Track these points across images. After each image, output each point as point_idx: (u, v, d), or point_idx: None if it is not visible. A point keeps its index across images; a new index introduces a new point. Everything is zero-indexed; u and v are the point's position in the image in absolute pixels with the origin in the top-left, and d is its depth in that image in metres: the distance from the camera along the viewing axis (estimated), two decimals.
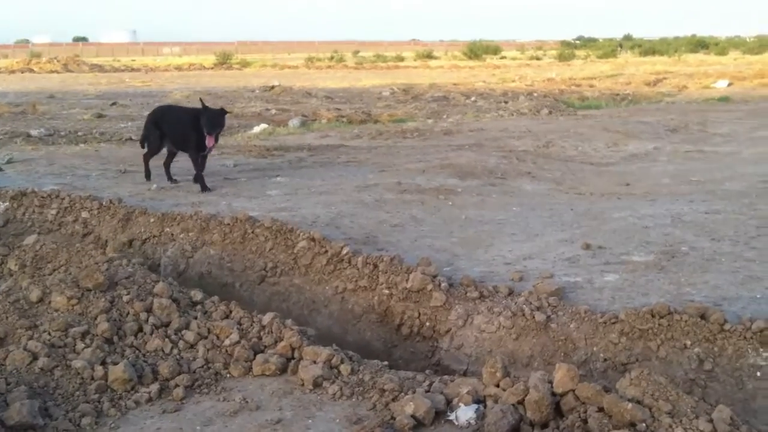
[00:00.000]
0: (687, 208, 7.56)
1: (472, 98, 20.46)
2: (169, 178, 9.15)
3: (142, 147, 9.43)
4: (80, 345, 4.78)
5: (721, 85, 22.34)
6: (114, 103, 19.83)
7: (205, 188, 8.57)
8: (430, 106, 18.63)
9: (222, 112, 8.55)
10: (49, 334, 4.84)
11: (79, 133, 14.50)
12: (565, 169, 9.70)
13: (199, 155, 8.69)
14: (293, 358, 4.77)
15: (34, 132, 14.32)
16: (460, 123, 14.79)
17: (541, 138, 12.03)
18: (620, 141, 11.76)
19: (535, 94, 21.23)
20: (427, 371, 4.81)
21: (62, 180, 9.33)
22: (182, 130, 8.72)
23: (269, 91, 22.91)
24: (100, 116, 17.09)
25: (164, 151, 9.34)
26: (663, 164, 10.08)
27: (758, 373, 4.35)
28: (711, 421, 3.35)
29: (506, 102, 19.21)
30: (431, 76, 30.94)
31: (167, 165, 9.23)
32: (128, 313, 5.13)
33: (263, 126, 14.59)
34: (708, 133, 12.54)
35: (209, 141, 8.36)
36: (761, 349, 4.41)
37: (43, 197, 8.07)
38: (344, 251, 6.02)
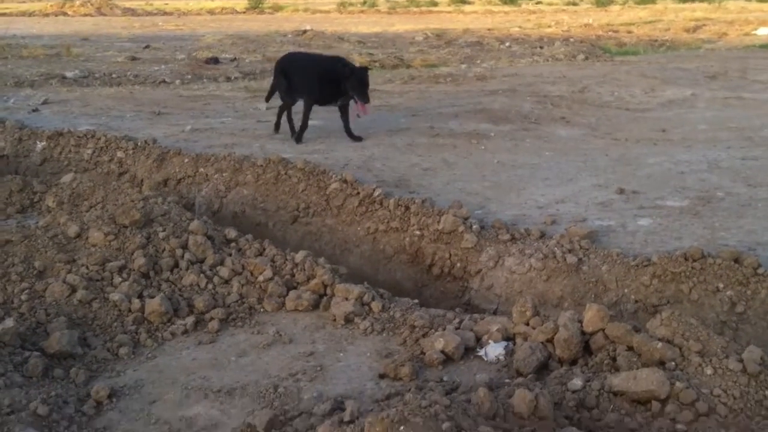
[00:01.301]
0: (724, 155, 7.44)
1: (507, 43, 20.13)
2: (278, 126, 8.57)
3: (267, 101, 9.04)
4: (117, 279, 4.90)
5: (763, 32, 21.69)
6: (147, 46, 19.84)
7: (300, 140, 8.05)
8: (464, 52, 18.38)
9: (367, 71, 7.91)
10: (87, 268, 4.96)
11: (113, 76, 14.57)
12: (601, 115, 9.56)
13: (311, 108, 8.14)
14: (325, 295, 4.85)
15: (68, 74, 14.41)
16: (494, 68, 14.59)
17: (577, 83, 11.84)
18: (657, 87, 11.53)
19: (571, 40, 20.81)
20: (458, 309, 4.86)
21: (97, 121, 9.41)
22: (309, 80, 8.06)
23: (301, 35, 22.72)
24: (133, 59, 17.13)
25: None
26: (700, 111, 9.89)
27: None
28: (741, 360, 3.35)
29: (541, 47, 18.88)
30: (465, 22, 30.46)
31: (282, 111, 8.53)
32: (164, 250, 5.23)
33: None
34: (748, 80, 12.25)
35: (363, 109, 7.74)
36: None
37: (79, 137, 8.17)
38: (376, 193, 6.05)
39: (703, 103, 10.40)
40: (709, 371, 3.34)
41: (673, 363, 3.44)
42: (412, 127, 8.75)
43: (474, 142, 8.12)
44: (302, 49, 16.25)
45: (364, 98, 7.62)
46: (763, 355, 3.39)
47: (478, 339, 4.18)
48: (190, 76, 14.58)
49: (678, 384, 3.22)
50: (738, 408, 3.14)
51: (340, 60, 8.17)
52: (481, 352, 4.06)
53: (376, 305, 4.63)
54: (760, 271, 4.51)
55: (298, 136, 8.08)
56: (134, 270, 5.00)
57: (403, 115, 9.64)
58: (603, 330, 3.84)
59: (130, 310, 4.63)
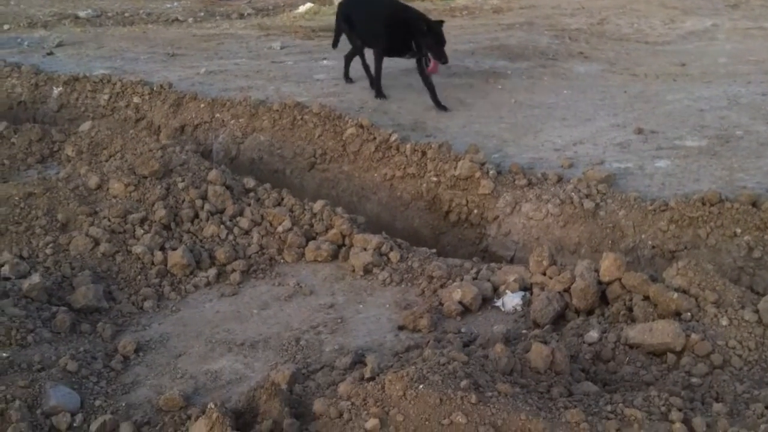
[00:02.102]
0: (744, 90, 7.31)
1: None
2: (346, 74, 7.97)
3: (334, 47, 8.21)
4: (139, 231, 4.98)
5: None
6: None
7: (380, 94, 7.34)
8: None
9: (441, 24, 7.00)
10: (109, 220, 5.04)
11: (126, 14, 14.42)
12: (619, 49, 9.38)
13: (382, 59, 7.36)
14: (344, 245, 4.91)
15: (81, 13, 14.27)
16: (511, 0, 14.28)
17: (595, 15, 11.57)
18: (677, 17, 11.25)
19: None
20: (474, 258, 4.91)
21: (112, 63, 9.36)
22: (375, 27, 7.35)
23: None
24: None
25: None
26: (721, 43, 9.66)
27: None
28: (756, 311, 3.39)
29: None
30: None
31: (349, 58, 7.92)
32: (184, 200, 5.28)
33: (309, 5, 14.29)
34: None
35: (434, 66, 6.97)
36: None
37: (95, 82, 8.15)
38: (392, 138, 6.03)
39: (723, 34, 10.15)
40: (724, 322, 3.39)
41: (689, 314, 3.49)
42: None
43: (491, 81, 8.02)
44: None
45: (443, 58, 6.81)
46: None
47: (496, 289, 4.25)
48: (202, 14, 14.39)
49: (693, 336, 3.27)
50: (753, 360, 3.20)
51: (410, 9, 7.40)
52: (499, 303, 4.13)
53: (394, 255, 4.69)
54: None
55: (377, 91, 7.37)
56: (155, 221, 5.07)
57: None
58: (619, 279, 3.89)
59: (153, 263, 4.72)
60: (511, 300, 4.11)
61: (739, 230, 4.53)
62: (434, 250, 4.94)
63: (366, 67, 7.65)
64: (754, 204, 4.61)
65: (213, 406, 2.89)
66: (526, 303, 4.06)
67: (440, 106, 7.07)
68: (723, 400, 2.88)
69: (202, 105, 7.25)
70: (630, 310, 3.71)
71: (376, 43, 7.35)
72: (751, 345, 3.25)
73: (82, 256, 4.73)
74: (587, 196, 5.11)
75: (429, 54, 6.86)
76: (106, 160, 5.87)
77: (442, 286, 4.31)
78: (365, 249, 4.73)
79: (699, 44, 9.64)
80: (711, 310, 3.45)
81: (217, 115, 7.07)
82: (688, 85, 7.65)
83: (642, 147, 5.94)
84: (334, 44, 8.19)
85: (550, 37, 9.88)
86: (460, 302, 4.10)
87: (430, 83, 7.12)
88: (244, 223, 5.11)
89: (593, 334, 3.46)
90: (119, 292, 4.47)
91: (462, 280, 4.32)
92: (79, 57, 9.79)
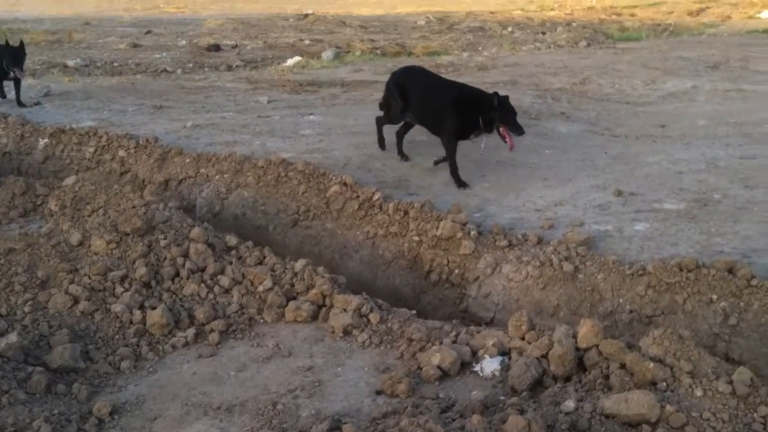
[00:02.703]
0: (722, 153, 7.45)
1: (509, 29, 20.02)
2: (401, 151, 7.39)
3: (381, 109, 7.52)
4: (119, 289, 4.97)
5: (767, 15, 21.52)
6: (149, 32, 19.80)
7: (461, 184, 6.70)
8: (466, 37, 18.30)
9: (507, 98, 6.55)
10: (90, 278, 5.04)
11: (115, 64, 14.57)
12: (601, 109, 9.56)
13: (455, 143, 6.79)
14: (324, 305, 4.92)
15: (70, 62, 14.41)
16: (496, 57, 14.55)
17: (578, 74, 11.81)
18: (658, 78, 11.50)
19: (574, 24, 20.71)
20: (454, 320, 4.93)
21: (99, 115, 9.44)
22: (436, 108, 6.86)
23: (303, 19, 22.65)
24: (135, 46, 17.11)
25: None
26: (701, 104, 9.87)
27: None
28: (731, 382, 3.42)
29: (544, 33, 18.79)
30: (468, 3, 30.26)
31: (401, 135, 7.40)
32: (165, 258, 5.29)
33: (297, 58, 14.52)
34: (749, 70, 12.19)
35: (511, 142, 6.52)
36: None
37: (81, 135, 8.21)
38: (375, 197, 6.09)
39: (703, 95, 10.38)
40: (699, 393, 3.41)
41: (665, 383, 3.51)
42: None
43: (473, 140, 8.12)
44: (316, 37, 15.93)
45: (520, 129, 6.50)
46: (752, 377, 3.46)
47: (475, 353, 4.25)
48: (191, 65, 14.57)
49: (668, 407, 3.28)
50: None
51: (469, 86, 7.08)
52: (477, 368, 4.12)
53: (374, 317, 4.70)
54: (754, 282, 4.55)
55: (458, 181, 6.72)
56: (136, 279, 5.07)
57: None
58: (597, 346, 3.91)
59: (131, 322, 4.71)
60: (490, 365, 4.11)
61: (715, 296, 4.58)
62: (414, 312, 4.95)
63: (400, 136, 7.35)
64: (730, 270, 4.67)
65: None
66: (505, 368, 4.06)
67: (460, 183, 6.72)
68: None
69: (188, 160, 7.31)
70: (607, 377, 3.72)
71: (444, 127, 6.79)
72: (724, 417, 3.26)
73: (60, 314, 4.72)
74: (567, 258, 5.16)
75: (502, 129, 6.48)
76: (89, 216, 5.88)
77: (421, 349, 4.31)
78: (345, 310, 4.74)
79: (679, 105, 9.85)
80: (686, 380, 3.47)
81: (202, 170, 7.12)
82: (668, 147, 7.80)
83: (621, 209, 6.03)
84: (393, 121, 7.38)
85: (533, 97, 10.05)
86: (438, 366, 4.10)
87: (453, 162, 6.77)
88: (224, 281, 5.12)
89: (570, 404, 3.46)
90: (96, 351, 4.44)
91: (441, 343, 4.32)
92: (67, 107, 9.89)
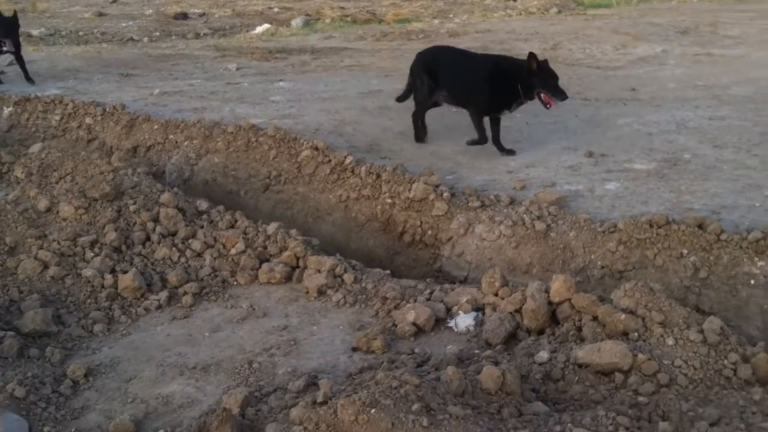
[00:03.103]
0: (692, 114, 7.51)
1: None
2: (422, 132, 7.01)
3: (400, 101, 7.11)
4: (89, 254, 4.91)
5: None
6: (114, 1, 19.43)
7: (505, 150, 6.56)
8: (437, 5, 18.19)
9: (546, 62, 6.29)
10: (59, 243, 4.96)
11: (81, 33, 14.31)
12: (572, 74, 9.56)
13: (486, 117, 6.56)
14: (298, 267, 4.90)
15: (35, 32, 14.11)
16: (467, 24, 14.49)
17: (549, 40, 11.81)
18: (629, 43, 11.53)
19: None
20: (428, 279, 4.94)
21: (65, 84, 9.27)
22: (471, 85, 6.52)
23: None
24: (100, 15, 16.80)
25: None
26: (670, 68, 9.93)
27: (752, 281, 4.46)
28: (701, 331, 3.47)
29: (515, 0, 18.74)
30: None
31: (421, 116, 7.02)
32: (135, 223, 5.23)
33: (266, 26, 14.34)
34: (718, 35, 12.26)
35: (553, 105, 6.31)
36: (756, 258, 4.50)
37: (46, 102, 8.06)
38: (347, 160, 6.05)
39: (673, 60, 10.43)
40: (670, 342, 3.46)
41: (636, 334, 3.56)
42: (384, 89, 8.69)
43: (445, 104, 8.10)
44: (285, 5, 15.72)
45: (562, 94, 6.28)
46: (722, 325, 3.51)
47: (449, 310, 4.28)
48: (158, 33, 14.36)
49: (640, 356, 3.33)
50: (698, 378, 3.26)
51: (506, 56, 6.79)
52: (452, 323, 4.15)
53: (348, 277, 4.70)
54: (723, 236, 4.60)
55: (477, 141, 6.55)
56: (106, 244, 5.01)
57: (375, 75, 9.58)
58: (569, 300, 3.95)
59: (103, 286, 4.66)
60: (464, 320, 4.14)
61: (685, 251, 4.63)
62: (388, 271, 4.96)
63: (424, 124, 6.98)
64: (700, 226, 4.72)
65: None
66: (479, 323, 4.10)
67: (504, 150, 6.55)
68: (669, 419, 2.93)
69: (156, 126, 7.21)
70: (579, 330, 3.76)
71: (475, 101, 6.53)
72: (696, 364, 3.32)
73: (30, 280, 4.65)
74: (539, 217, 5.18)
75: (543, 94, 6.22)
76: (57, 183, 5.78)
77: (395, 307, 4.33)
78: (319, 271, 4.73)
79: (649, 69, 9.89)
80: (657, 330, 3.52)
81: (171, 136, 7.02)
82: (638, 110, 7.84)
83: (592, 170, 6.06)
84: (402, 98, 7.11)
85: None
86: (413, 323, 4.12)
87: (498, 138, 6.57)
88: (196, 245, 5.08)
89: (543, 355, 3.50)
90: (68, 315, 4.39)
91: (415, 301, 4.34)
92: (32, 76, 9.66)
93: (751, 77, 8.99)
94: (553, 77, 6.26)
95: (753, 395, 3.08)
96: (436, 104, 6.99)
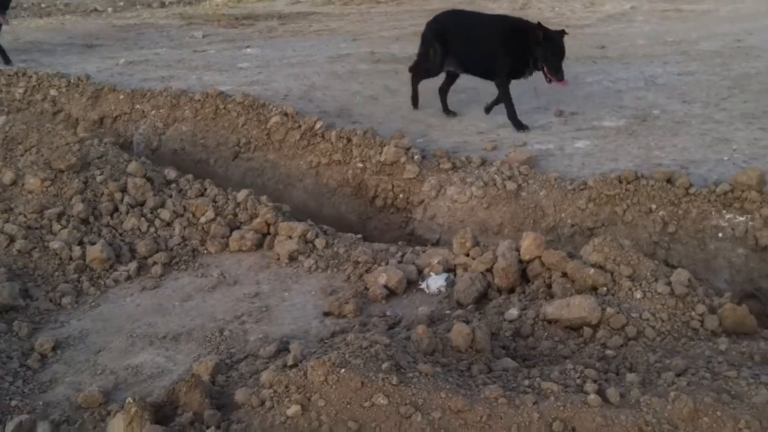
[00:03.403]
0: (660, 70, 7.52)
1: None
2: (446, 107, 6.68)
3: (412, 71, 6.77)
4: (56, 226, 4.85)
5: None
6: None
7: (520, 126, 6.10)
8: None
9: (562, 34, 5.87)
10: (25, 216, 4.89)
11: (43, 5, 14.02)
12: None
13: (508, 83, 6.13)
14: (269, 233, 4.87)
15: None
16: None
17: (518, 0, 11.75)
18: (597, 1, 11.50)
19: None
20: (400, 242, 4.93)
21: (28, 56, 9.11)
22: (482, 49, 6.13)
23: None
24: None
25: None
26: (639, 24, 9.92)
27: (720, 234, 4.49)
28: (669, 283, 3.49)
29: None
30: None
31: (444, 91, 6.70)
32: (103, 194, 5.16)
33: None
34: None
35: (559, 84, 5.90)
36: (724, 211, 4.53)
37: (9, 75, 7.92)
38: (317, 126, 6.00)
39: (641, 16, 10.42)
40: (638, 295, 3.48)
41: (605, 288, 3.58)
42: (353, 53, 8.63)
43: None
44: None
45: (558, 74, 5.76)
46: (690, 277, 3.54)
47: (420, 272, 4.27)
48: (122, 3, 14.09)
49: (608, 309, 3.35)
50: (665, 330, 3.29)
51: (522, 20, 6.25)
52: (423, 285, 4.15)
53: (319, 242, 4.67)
54: (692, 190, 4.63)
55: (517, 124, 6.12)
56: (73, 216, 4.94)
57: (343, 39, 9.49)
58: (539, 257, 3.95)
59: (71, 258, 4.60)
60: (435, 282, 4.14)
61: (654, 206, 4.65)
62: (360, 236, 4.94)
63: (444, 92, 6.65)
64: (668, 180, 4.74)
65: (131, 401, 2.84)
66: (450, 284, 4.10)
67: (520, 125, 6.11)
68: (636, 370, 2.96)
69: (122, 96, 7.11)
70: (549, 287, 3.77)
71: (495, 68, 6.11)
72: (663, 316, 3.34)
73: None
74: (510, 177, 5.18)
75: (544, 68, 5.82)
76: (22, 155, 5.67)
77: (367, 271, 4.31)
78: (290, 237, 4.69)
79: (618, 27, 9.87)
80: (626, 284, 3.53)
81: (138, 106, 6.94)
82: (607, 67, 7.83)
83: (562, 128, 6.06)
84: (414, 68, 6.74)
85: None
86: (385, 286, 4.11)
87: (512, 104, 6.14)
88: (165, 214, 5.02)
89: (513, 312, 3.52)
90: (36, 289, 4.34)
91: (387, 264, 4.33)
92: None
93: (719, 32, 9.00)
94: (557, 53, 5.76)
95: (719, 345, 3.11)
96: (452, 77, 6.61)
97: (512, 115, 6.12)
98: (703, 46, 8.39)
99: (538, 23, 5.83)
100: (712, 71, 7.29)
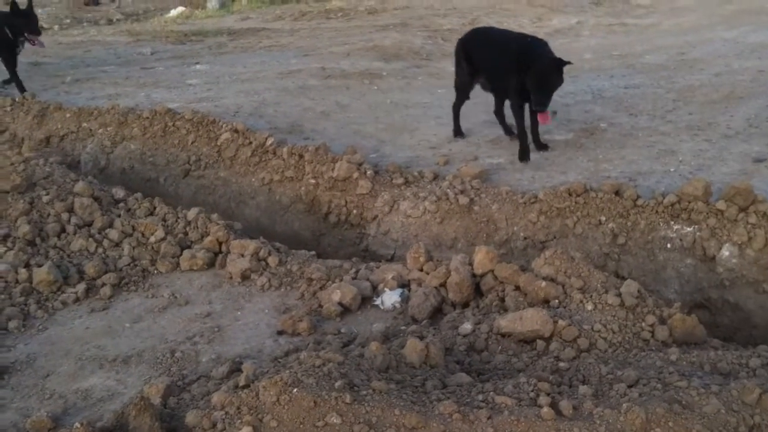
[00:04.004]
0: (607, 84, 7.66)
1: None
2: (506, 129, 6.26)
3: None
4: (2, 248, 4.73)
5: None
6: None
7: (523, 157, 5.66)
8: None
9: (556, 66, 5.41)
10: None
11: None
12: None
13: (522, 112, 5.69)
14: (221, 252, 4.81)
15: None
16: (386, 0, 14.44)
17: (467, 15, 11.88)
18: (545, 16, 11.71)
19: None
20: (354, 258, 4.91)
21: None
22: (498, 67, 5.81)
23: None
24: (6, 3, 16.12)
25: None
26: (586, 39, 10.11)
27: (668, 245, 4.56)
28: (619, 295, 3.54)
29: None
30: None
31: (499, 113, 6.27)
32: (49, 214, 5.05)
33: (180, 9, 14.03)
34: (630, 4, 12.56)
35: (543, 118, 5.55)
36: (672, 222, 4.61)
37: None
38: (269, 142, 5.96)
39: (588, 30, 10.63)
40: (589, 307, 3.52)
41: (557, 301, 3.61)
42: (303, 69, 8.62)
43: (366, 82, 8.08)
44: None
45: (538, 105, 5.41)
46: (639, 288, 3.59)
47: (375, 287, 4.26)
48: (69, 20, 13.90)
49: (561, 322, 3.38)
50: (617, 342, 3.33)
51: (533, 41, 5.78)
52: (378, 301, 4.14)
53: (272, 259, 4.63)
54: (640, 202, 4.70)
55: (521, 151, 5.69)
56: (19, 238, 4.83)
57: (294, 55, 9.48)
58: (492, 271, 3.98)
59: (17, 281, 4.49)
60: (390, 298, 4.13)
61: (603, 218, 4.72)
62: (314, 252, 4.91)
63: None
64: (617, 193, 4.81)
65: (79, 426, 2.77)
66: (405, 300, 4.09)
67: (524, 155, 5.67)
68: (589, 382, 2.98)
69: (69, 115, 6.99)
70: (502, 300, 3.80)
71: (509, 90, 5.71)
72: (614, 327, 3.38)
73: None
74: (462, 191, 5.21)
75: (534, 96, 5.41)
76: None
77: (321, 288, 4.29)
78: (242, 255, 4.64)
79: (565, 41, 10.05)
80: (577, 296, 3.58)
81: (85, 124, 6.82)
82: None
83: (512, 142, 6.10)
84: (464, 92, 6.30)
85: (424, 38, 10.06)
86: (339, 303, 4.09)
87: (522, 130, 5.69)
88: (114, 234, 4.93)
89: (467, 326, 3.52)
90: None
91: (341, 280, 4.31)
92: None
93: (663, 45, 9.22)
94: (539, 83, 5.34)
95: (670, 355, 3.15)
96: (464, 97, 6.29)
97: (521, 140, 5.70)
98: (648, 59, 8.58)
99: (529, 44, 5.55)
100: (657, 84, 7.45)
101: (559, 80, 5.44)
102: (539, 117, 5.60)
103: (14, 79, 7.94)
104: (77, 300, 4.40)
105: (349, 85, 7.94)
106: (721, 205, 4.42)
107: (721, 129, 5.86)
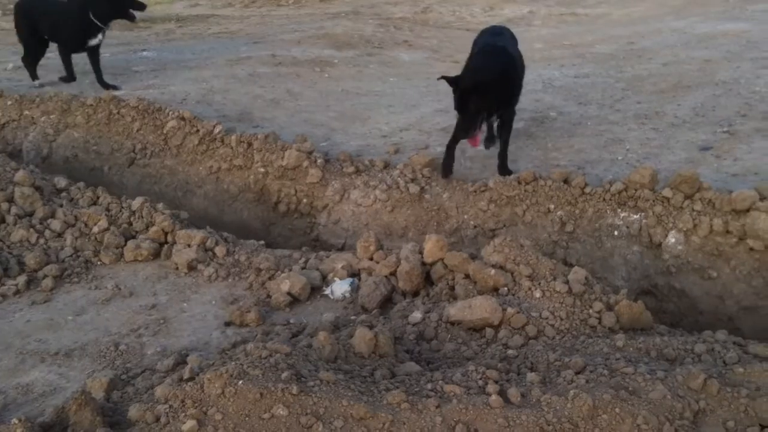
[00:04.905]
0: (558, 73, 7.70)
1: None
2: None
3: None
4: None
5: None
6: None
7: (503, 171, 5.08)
8: None
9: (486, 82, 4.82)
10: None
11: None
12: (442, 37, 9.65)
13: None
14: (166, 242, 4.71)
15: None
16: None
17: (419, 3, 11.86)
18: (497, 5, 11.74)
19: None
20: (304, 248, 4.86)
21: None
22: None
23: None
24: None
25: None
26: (537, 28, 10.17)
27: (615, 232, 4.61)
28: (567, 282, 3.55)
29: None
30: None
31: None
32: None
33: None
34: None
35: (473, 142, 4.91)
36: (619, 210, 4.65)
37: None
38: (216, 130, 5.86)
39: (539, 20, 10.68)
40: (538, 294, 3.53)
41: (506, 288, 3.61)
42: (253, 56, 8.49)
43: (318, 70, 8.00)
44: None
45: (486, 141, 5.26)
46: (587, 275, 3.61)
47: (325, 277, 4.22)
48: (11, 6, 13.46)
49: (509, 309, 3.38)
50: (564, 328, 3.34)
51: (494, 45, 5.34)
52: (328, 291, 4.10)
53: (220, 250, 4.55)
54: (587, 190, 4.73)
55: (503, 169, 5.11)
56: None
57: (244, 42, 9.34)
58: (442, 259, 3.96)
59: None
60: (340, 287, 4.09)
61: (552, 206, 4.74)
62: (263, 242, 4.85)
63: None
64: (565, 181, 4.83)
65: (17, 421, 2.68)
66: (355, 289, 4.06)
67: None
68: (537, 369, 2.99)
69: (9, 102, 6.77)
70: (452, 288, 3.79)
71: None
72: (562, 314, 3.40)
73: None
74: (413, 180, 5.19)
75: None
76: None
77: (270, 278, 4.23)
78: (189, 245, 4.56)
79: (516, 30, 10.02)
80: (525, 283, 3.58)
81: (26, 112, 6.62)
82: None
83: None
84: None
85: (375, 26, 9.99)
86: (288, 293, 4.04)
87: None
88: (56, 225, 4.80)
89: (416, 315, 3.51)
90: None
91: (290, 270, 4.25)
92: None
93: (613, 35, 9.31)
94: (467, 112, 4.79)
95: (616, 342, 3.18)
96: None
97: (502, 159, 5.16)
98: (598, 49, 8.66)
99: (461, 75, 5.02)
100: (606, 73, 7.51)
101: None
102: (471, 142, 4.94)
103: (97, 76, 7.15)
104: (18, 292, 4.27)
105: (300, 73, 7.85)
106: (667, 192, 4.46)
107: (668, 118, 5.93)
